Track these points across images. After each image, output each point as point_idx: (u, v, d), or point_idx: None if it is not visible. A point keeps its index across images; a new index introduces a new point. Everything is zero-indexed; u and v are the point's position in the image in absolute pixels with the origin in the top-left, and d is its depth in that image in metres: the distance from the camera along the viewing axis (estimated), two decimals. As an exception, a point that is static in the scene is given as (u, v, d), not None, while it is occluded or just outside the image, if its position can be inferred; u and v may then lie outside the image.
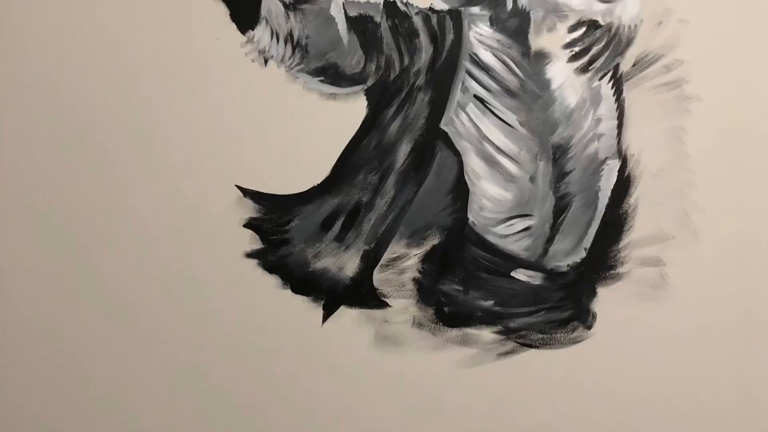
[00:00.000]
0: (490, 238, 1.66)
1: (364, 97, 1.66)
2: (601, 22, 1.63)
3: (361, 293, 1.71)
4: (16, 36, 1.70)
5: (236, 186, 1.69)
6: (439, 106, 1.65)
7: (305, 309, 1.72)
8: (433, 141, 1.66)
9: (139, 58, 1.68)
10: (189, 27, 1.67)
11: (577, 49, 1.64)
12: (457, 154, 1.66)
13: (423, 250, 1.66)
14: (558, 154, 1.65)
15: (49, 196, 1.73)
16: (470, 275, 1.70)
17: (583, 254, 1.67)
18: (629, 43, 1.64)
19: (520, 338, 1.72)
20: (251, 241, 1.71)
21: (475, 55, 1.65)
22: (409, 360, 1.70)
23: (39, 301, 1.77)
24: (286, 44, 1.64)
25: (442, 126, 1.65)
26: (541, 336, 1.71)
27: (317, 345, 1.73)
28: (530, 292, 1.70)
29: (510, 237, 1.68)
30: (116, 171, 1.71)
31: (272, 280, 1.71)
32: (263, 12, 1.63)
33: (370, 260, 1.67)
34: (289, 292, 1.71)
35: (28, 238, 1.75)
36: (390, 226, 1.68)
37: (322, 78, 1.66)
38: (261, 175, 1.69)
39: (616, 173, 1.64)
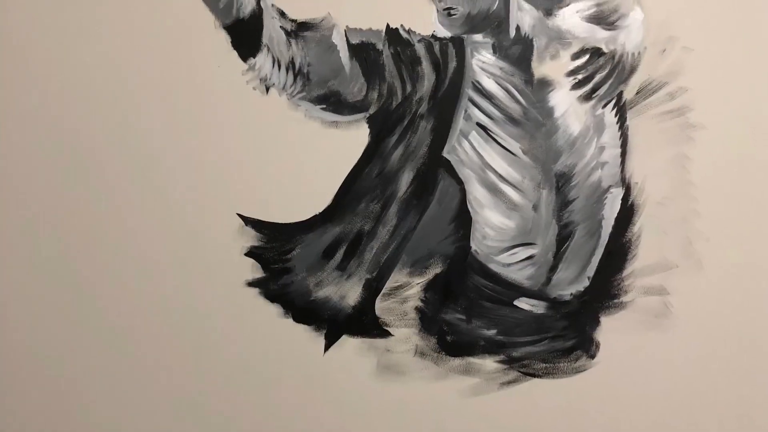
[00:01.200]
0: (493, 267, 1.59)
1: (366, 125, 1.58)
2: (605, 50, 1.56)
3: (363, 322, 1.63)
4: (18, 65, 1.61)
5: (237, 214, 1.62)
6: (441, 134, 1.58)
7: (307, 338, 1.64)
8: (436, 169, 1.58)
9: (140, 86, 1.60)
10: (190, 55, 1.58)
11: (580, 76, 1.56)
12: (460, 183, 1.58)
13: (425, 278, 1.59)
14: (561, 183, 1.58)
15: (50, 224, 1.65)
16: (473, 304, 1.62)
17: (587, 283, 1.61)
18: (633, 70, 1.56)
19: (523, 367, 1.64)
20: (252, 269, 1.63)
21: (478, 82, 1.57)
22: (411, 389, 1.64)
23: (40, 330, 1.69)
24: (287, 72, 1.57)
25: (445, 154, 1.58)
26: (544, 365, 1.64)
27: (319, 374, 1.66)
28: (533, 321, 1.62)
29: (513, 266, 1.60)
30: (117, 199, 1.63)
31: (274, 309, 1.64)
32: (265, 39, 1.55)
33: (372, 289, 1.60)
34: (290, 321, 1.64)
35: (28, 267, 1.67)
36: (392, 255, 1.60)
37: (324, 106, 1.58)
38: (262, 203, 1.61)
39: (620, 201, 1.57)
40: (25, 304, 1.69)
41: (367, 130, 1.58)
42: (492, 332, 1.62)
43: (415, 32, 1.57)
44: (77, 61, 1.61)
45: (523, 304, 1.61)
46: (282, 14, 1.56)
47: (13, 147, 1.64)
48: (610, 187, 1.58)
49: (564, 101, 1.56)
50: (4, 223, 1.67)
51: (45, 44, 1.62)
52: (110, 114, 1.62)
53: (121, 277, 1.66)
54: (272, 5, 1.55)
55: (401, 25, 1.57)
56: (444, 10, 1.55)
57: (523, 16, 1.55)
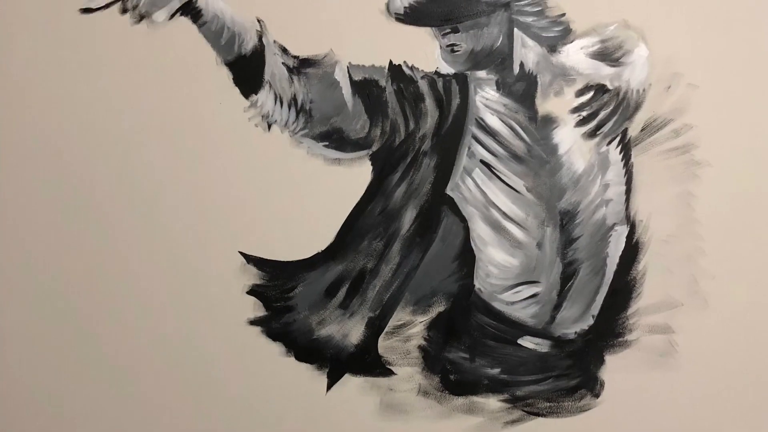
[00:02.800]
0: (497, 305, 1.50)
1: (369, 162, 1.49)
2: (609, 87, 1.47)
3: (366, 361, 1.53)
4: (19, 103, 1.52)
5: (239, 252, 1.52)
6: (445, 171, 1.48)
7: (309, 377, 1.55)
8: (439, 207, 1.49)
9: (141, 123, 1.50)
10: (191, 91, 1.48)
11: (584, 113, 1.47)
12: (463, 220, 1.49)
13: (429, 317, 1.51)
14: (565, 220, 1.49)
15: (51, 263, 1.56)
16: (476, 343, 1.52)
17: (591, 321, 1.51)
18: (638, 107, 1.47)
19: (527, 406, 1.54)
20: (254, 308, 1.53)
21: (482, 119, 1.49)
22: (414, 428, 1.55)
23: (41, 369, 1.59)
24: (289, 109, 1.48)
25: (448, 191, 1.48)
26: (548, 404, 1.54)
27: (322, 413, 1.55)
28: (537, 359, 1.53)
29: (517, 304, 1.51)
30: (118, 236, 1.54)
31: (276, 348, 1.54)
32: (267, 76, 1.46)
33: (375, 327, 1.51)
34: (293, 359, 1.54)
35: (28, 306, 1.57)
36: (395, 293, 1.51)
37: (327, 143, 1.49)
38: (264, 241, 1.51)
39: (625, 239, 1.49)
40: (26, 343, 1.59)
41: (370, 168, 1.49)
42: (496, 371, 1.53)
43: (418, 69, 1.48)
44: (78, 97, 1.51)
45: (527, 342, 1.52)
46: (284, 51, 1.47)
47: (14, 184, 1.54)
48: (614, 224, 1.49)
49: (568, 138, 1.47)
50: (4, 261, 1.57)
51: (45, 81, 1.51)
52: (111, 151, 1.52)
53: (122, 315, 1.56)
54: (274, 41, 1.46)
55: (404, 62, 1.47)
56: (447, 46, 1.46)
57: (527, 53, 1.46)
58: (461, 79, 1.47)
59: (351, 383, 1.55)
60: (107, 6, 1.45)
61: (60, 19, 1.50)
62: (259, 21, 1.45)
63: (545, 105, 1.46)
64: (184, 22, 1.45)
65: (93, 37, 1.50)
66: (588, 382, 1.53)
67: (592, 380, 1.53)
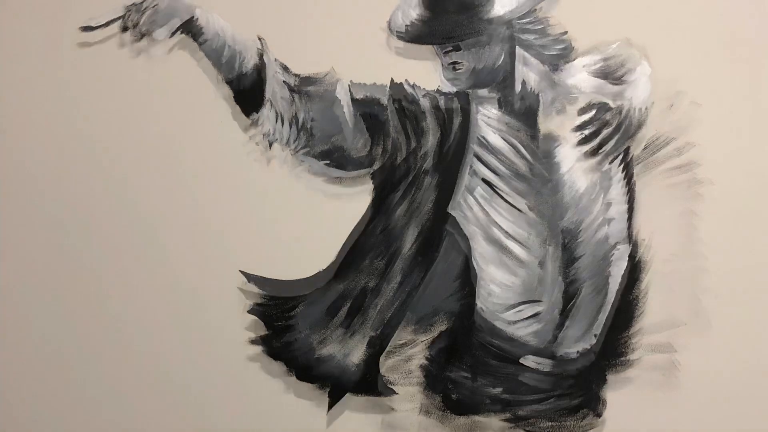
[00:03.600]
0: (499, 325, 1.46)
1: (370, 181, 1.45)
2: (612, 105, 1.43)
3: (368, 380, 1.48)
4: (19, 125, 1.49)
5: (240, 271, 1.48)
6: (446, 189, 1.44)
7: (310, 396, 1.50)
8: (441, 225, 1.44)
9: (141, 142, 1.47)
10: (192, 110, 1.45)
11: (586, 131, 1.43)
12: (465, 239, 1.44)
13: (430, 336, 1.47)
14: (567, 239, 1.44)
15: (50, 286, 1.53)
16: (478, 362, 1.47)
17: (593, 341, 1.46)
18: (640, 125, 1.43)
19: (529, 426, 1.49)
20: (255, 327, 1.50)
21: (483, 137, 1.45)
22: (416, 448, 1.48)
23: (44, 392, 1.56)
24: (290, 127, 1.44)
25: (450, 210, 1.44)
26: (550, 424, 1.49)
27: (323, 432, 1.51)
28: (539, 379, 1.48)
29: (519, 323, 1.47)
30: (119, 257, 1.51)
31: (277, 367, 1.50)
32: (268, 94, 1.43)
33: (376, 347, 1.47)
34: (293, 379, 1.50)
35: (31, 331, 1.55)
36: (397, 312, 1.46)
37: (328, 161, 1.45)
38: (265, 259, 1.48)
39: (627, 258, 1.45)
40: (29, 368, 1.56)
41: (371, 186, 1.46)
42: (497, 390, 1.48)
43: (419, 87, 1.44)
44: (79, 120, 1.49)
45: (529, 362, 1.47)
46: (285, 69, 1.43)
47: (15, 209, 1.51)
48: (617, 243, 1.45)
49: (570, 157, 1.43)
50: (7, 286, 1.54)
51: (45, 103, 1.49)
52: (112, 172, 1.49)
53: (123, 335, 1.52)
54: (275, 60, 1.43)
55: (406, 80, 1.44)
56: (449, 64, 1.42)
57: (529, 71, 1.42)
58: (463, 98, 1.43)
59: (352, 402, 1.51)
60: (108, 24, 1.42)
61: (60, 41, 1.46)
62: (260, 39, 1.41)
63: (547, 123, 1.42)
64: (185, 40, 1.41)
65: (93, 57, 1.46)
66: (590, 402, 1.48)
67: (594, 399, 1.48)
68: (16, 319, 1.54)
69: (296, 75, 1.42)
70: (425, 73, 1.44)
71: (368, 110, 1.41)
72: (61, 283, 1.52)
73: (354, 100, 1.41)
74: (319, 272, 1.47)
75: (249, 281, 1.47)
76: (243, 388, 1.51)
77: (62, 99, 1.48)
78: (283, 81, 1.40)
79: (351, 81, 1.42)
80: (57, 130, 1.49)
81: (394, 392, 1.48)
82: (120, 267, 1.50)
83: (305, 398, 1.50)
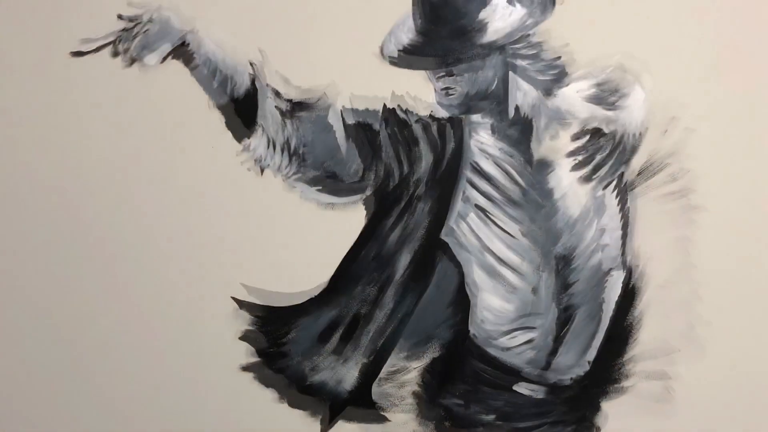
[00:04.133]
0: (492, 351, 1.43)
1: (363, 207, 1.42)
2: (606, 130, 1.40)
3: (360, 407, 1.46)
4: (12, 146, 1.46)
5: (232, 298, 1.45)
6: (439, 215, 1.41)
7: (303, 423, 1.47)
8: (434, 252, 1.41)
9: (133, 168, 1.43)
10: (183, 136, 1.42)
11: (580, 157, 1.40)
12: (458, 265, 1.41)
13: (423, 363, 1.44)
14: (561, 265, 1.41)
15: (41, 308, 1.50)
16: (471, 389, 1.44)
17: (587, 367, 1.43)
18: (634, 151, 1.40)
19: (522, 453, 1.47)
20: (247, 353, 1.47)
21: (476, 163, 1.42)
22: (409, 475, 1.45)
23: (35, 414, 1.53)
24: (282, 153, 1.42)
25: (443, 236, 1.41)
26: (544, 451, 1.47)
27: (315, 460, 1.48)
28: (533, 406, 1.45)
29: (512, 350, 1.44)
30: (111, 282, 1.47)
31: (269, 394, 1.47)
32: (259, 120, 1.40)
33: (368, 374, 1.44)
34: (286, 406, 1.47)
35: (24, 352, 1.52)
36: (389, 339, 1.43)
37: (320, 187, 1.41)
38: (257, 286, 1.45)
39: (621, 285, 1.42)
40: (18, 391, 1.53)
41: (364, 212, 1.42)
42: (491, 417, 1.45)
43: (412, 112, 1.40)
44: (69, 142, 1.45)
45: (523, 389, 1.45)
46: (277, 94, 1.39)
47: (9, 226, 1.48)
48: (610, 269, 1.42)
49: (564, 182, 1.40)
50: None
51: (36, 127, 1.45)
52: (104, 195, 1.45)
53: (114, 361, 1.49)
54: (267, 85, 1.40)
55: (398, 105, 1.40)
56: (442, 89, 1.38)
57: (523, 96, 1.39)
58: (456, 123, 1.40)
59: (345, 430, 1.48)
60: (98, 49, 1.39)
61: (51, 64, 1.43)
62: (251, 64, 1.38)
63: (541, 149, 1.39)
64: (176, 65, 1.38)
65: (84, 82, 1.42)
66: (584, 429, 1.46)
67: (587, 427, 1.46)
68: (6, 334, 1.51)
69: (288, 100, 1.39)
70: (418, 99, 1.40)
71: (361, 136, 1.38)
72: (52, 301, 1.49)
73: (346, 126, 1.38)
74: (312, 299, 1.44)
75: (241, 308, 1.44)
76: (234, 415, 1.48)
77: (54, 108, 1.45)
78: (275, 106, 1.37)
79: (343, 106, 1.39)
80: (50, 141, 1.45)
81: (386, 419, 1.46)
82: (110, 292, 1.48)
83: (297, 425, 1.47)
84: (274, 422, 1.48)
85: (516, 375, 1.44)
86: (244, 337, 1.45)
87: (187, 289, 1.46)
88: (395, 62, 1.36)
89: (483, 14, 1.33)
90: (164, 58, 1.36)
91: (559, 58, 1.38)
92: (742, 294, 1.42)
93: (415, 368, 1.45)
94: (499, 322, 1.41)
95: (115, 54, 1.37)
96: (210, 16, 1.36)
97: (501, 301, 1.40)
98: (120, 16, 1.35)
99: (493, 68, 1.35)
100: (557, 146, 1.39)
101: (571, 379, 1.44)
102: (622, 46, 1.38)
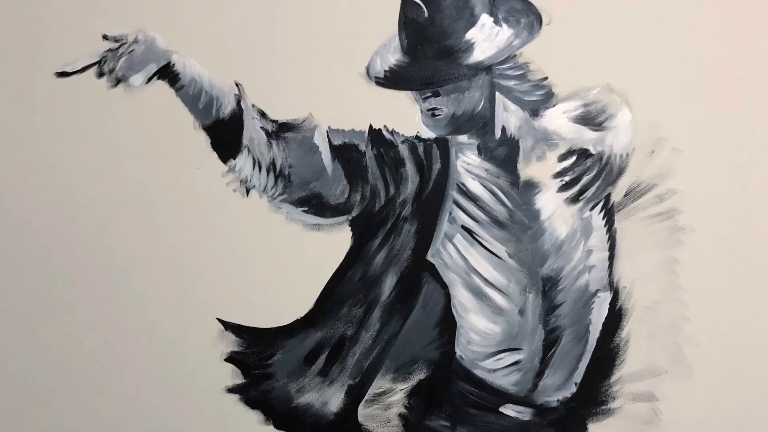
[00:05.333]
0: (478, 373, 1.39)
1: (349, 228, 1.38)
2: (592, 151, 1.36)
3: (346, 429, 1.41)
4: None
5: (217, 319, 1.41)
6: (425, 237, 1.36)
7: (288, 445, 1.40)
8: (420, 273, 1.37)
9: (117, 188, 1.40)
10: (169, 156, 1.38)
11: (567, 178, 1.36)
12: (444, 287, 1.37)
13: (409, 384, 1.40)
14: (548, 287, 1.37)
15: (26, 335, 1.46)
16: (458, 411, 1.40)
17: (574, 389, 1.40)
18: (621, 172, 1.37)
19: (509, 474, 1.41)
20: (233, 375, 1.42)
21: (463, 184, 1.38)
22: (395, 497, 1.40)
23: (23, 430, 1.49)
24: (268, 174, 1.37)
25: (429, 258, 1.36)
26: (530, 472, 1.42)
27: (300, 482, 1.43)
28: (519, 428, 1.40)
29: (498, 371, 1.40)
30: (96, 304, 1.44)
31: (254, 416, 1.42)
32: (245, 140, 1.35)
33: (354, 395, 1.39)
34: (271, 428, 1.42)
35: (7, 372, 1.48)
36: (375, 361, 1.38)
37: (306, 208, 1.36)
38: (242, 307, 1.40)
39: (608, 306, 1.39)
40: (3, 413, 1.49)
41: (350, 233, 1.38)
42: (477, 439, 1.42)
43: (398, 133, 1.36)
44: (53, 163, 1.41)
45: (509, 410, 1.40)
46: (263, 115, 1.34)
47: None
48: (597, 291, 1.38)
49: (551, 203, 1.36)
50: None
51: (20, 146, 1.41)
52: (89, 216, 1.42)
53: (100, 383, 1.45)
54: (253, 105, 1.36)
55: (384, 126, 1.36)
56: (428, 110, 1.34)
57: (509, 117, 1.35)
58: (442, 144, 1.36)
59: (331, 451, 1.41)
60: (83, 70, 1.34)
61: (35, 84, 1.38)
62: (237, 85, 1.33)
63: (527, 170, 1.35)
64: (161, 86, 1.34)
65: (69, 102, 1.38)
66: (571, 451, 1.39)
67: (575, 449, 1.38)
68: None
69: (274, 121, 1.34)
70: (404, 119, 1.35)
71: (347, 156, 1.34)
72: (36, 323, 1.45)
73: (332, 147, 1.34)
74: (297, 320, 1.40)
75: (226, 329, 1.40)
76: (220, 437, 1.40)
77: (39, 129, 1.42)
78: (261, 127, 1.32)
79: (329, 127, 1.34)
80: (34, 161, 1.43)
81: (373, 441, 1.40)
82: (95, 312, 1.44)
83: (283, 447, 1.40)
84: (259, 444, 1.41)
85: (502, 397, 1.39)
86: (230, 358, 1.41)
87: (173, 310, 1.42)
88: (381, 82, 1.31)
89: (469, 35, 1.28)
90: (149, 79, 1.31)
91: (546, 78, 1.34)
92: (729, 315, 1.39)
93: (401, 390, 1.40)
94: (486, 343, 1.37)
95: (100, 74, 1.32)
96: (187, 49, 1.31)
97: (487, 323, 1.36)
98: (105, 37, 1.29)
99: (480, 89, 1.31)
100: (544, 167, 1.34)
101: (558, 400, 1.40)
102: (609, 67, 1.33)
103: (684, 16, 1.33)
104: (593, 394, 1.40)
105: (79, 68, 1.29)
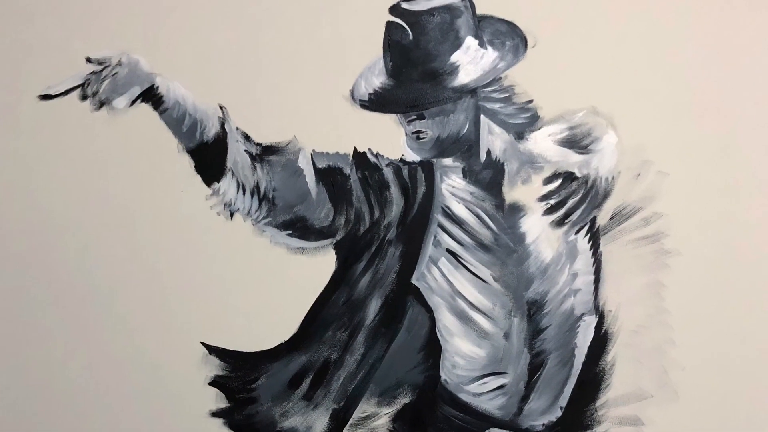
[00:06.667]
0: (463, 397, 1.35)
1: (333, 251, 1.34)
2: (578, 174, 1.32)
3: (331, 453, 1.35)
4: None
5: (201, 343, 1.37)
6: (410, 260, 1.32)
7: (272, 470, 1.36)
8: (405, 296, 1.33)
9: (101, 211, 1.36)
10: (152, 179, 1.34)
11: (552, 201, 1.32)
12: (429, 310, 1.33)
13: (394, 408, 1.36)
14: (533, 310, 1.33)
15: (9, 360, 1.43)
16: (443, 435, 1.36)
17: (559, 413, 1.36)
18: (606, 195, 1.33)
19: (494, 499, 1.38)
20: (216, 399, 1.38)
21: (448, 207, 1.34)
22: None
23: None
24: (252, 197, 1.33)
25: (414, 281, 1.32)
26: (515, 497, 1.38)
27: (285, 506, 1.40)
28: (505, 452, 1.36)
29: (483, 395, 1.36)
30: (78, 326, 1.40)
31: (238, 440, 1.35)
32: (229, 164, 1.31)
33: (339, 419, 1.35)
34: (255, 452, 1.35)
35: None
36: (360, 385, 1.35)
37: (290, 231, 1.32)
38: (226, 331, 1.37)
39: (593, 330, 1.35)
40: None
41: (334, 257, 1.34)
42: (462, 463, 1.37)
43: (383, 156, 1.32)
44: (36, 186, 1.38)
45: (494, 435, 1.37)
46: (247, 137, 1.30)
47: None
48: (583, 314, 1.34)
49: (536, 227, 1.32)
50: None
51: (5, 168, 1.39)
52: (72, 239, 1.38)
53: (83, 407, 1.42)
54: (237, 128, 1.32)
55: (369, 149, 1.32)
56: (413, 133, 1.30)
57: (494, 140, 1.31)
58: (427, 167, 1.32)
59: (315, 476, 1.37)
60: (67, 93, 1.30)
61: (18, 107, 1.35)
62: (221, 108, 1.29)
63: (512, 193, 1.31)
64: (145, 108, 1.30)
65: (52, 125, 1.35)
66: (556, 475, 1.35)
67: (560, 473, 1.34)
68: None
69: (258, 144, 1.30)
70: (389, 142, 1.31)
71: (331, 180, 1.30)
72: (17, 355, 1.42)
73: (317, 170, 1.30)
74: (282, 344, 1.36)
75: (210, 353, 1.36)
76: (205, 460, 1.37)
77: (22, 152, 1.39)
78: (245, 150, 1.28)
79: (314, 150, 1.31)
80: (17, 184, 1.40)
81: (357, 465, 1.36)
82: (78, 337, 1.40)
83: (267, 472, 1.36)
84: (244, 468, 1.37)
85: (488, 421, 1.35)
86: (214, 382, 1.37)
87: (156, 333, 1.38)
88: (366, 105, 1.28)
89: (454, 57, 1.24)
90: (133, 102, 1.27)
91: (531, 101, 1.30)
92: (715, 339, 1.35)
93: (386, 414, 1.37)
94: (471, 367, 1.33)
95: (84, 97, 1.28)
96: (170, 72, 1.27)
97: (472, 347, 1.32)
98: (89, 59, 1.25)
99: (465, 112, 1.27)
100: (529, 190, 1.30)
101: (544, 425, 1.37)
102: (594, 90, 1.30)
103: (669, 39, 1.29)
104: (579, 418, 1.36)
105: (63, 91, 1.25)
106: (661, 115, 1.31)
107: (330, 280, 1.35)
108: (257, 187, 1.27)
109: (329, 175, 1.30)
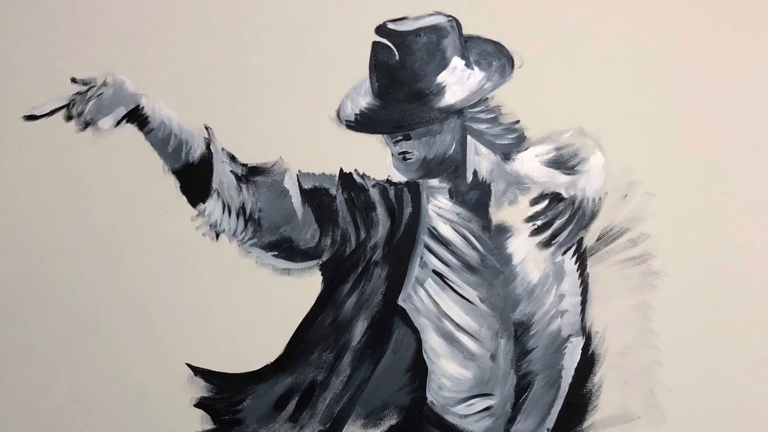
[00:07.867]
0: (450, 418, 1.31)
1: (319, 273, 1.31)
2: (565, 195, 1.29)
3: (316, 475, 1.32)
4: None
5: (186, 364, 1.34)
6: (396, 281, 1.29)
7: (258, 492, 1.33)
8: (391, 318, 1.29)
9: (86, 232, 1.34)
10: (138, 200, 1.32)
11: (539, 222, 1.29)
12: (416, 332, 1.29)
13: (380, 430, 1.33)
14: (520, 332, 1.30)
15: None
16: (429, 457, 1.32)
17: (547, 435, 1.31)
18: (593, 216, 1.31)
19: None
20: (202, 421, 1.35)
21: (434, 228, 1.31)
22: None
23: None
24: (238, 218, 1.29)
25: (400, 302, 1.29)
26: None
27: None
28: (492, 474, 1.32)
29: (470, 417, 1.32)
30: (62, 348, 1.38)
31: (224, 462, 1.32)
32: (215, 184, 1.27)
33: (325, 441, 1.30)
34: (241, 474, 1.32)
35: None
36: (346, 406, 1.31)
37: (276, 252, 1.29)
38: (212, 352, 1.34)
39: (580, 351, 1.33)
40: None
41: (320, 278, 1.31)
42: (449, 485, 1.34)
43: (369, 177, 1.29)
44: (20, 207, 1.36)
45: (481, 456, 1.34)
46: (232, 158, 1.27)
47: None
48: (570, 336, 1.31)
49: (523, 248, 1.29)
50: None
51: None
52: (56, 260, 1.35)
53: (68, 428, 1.39)
54: (222, 149, 1.29)
55: (355, 170, 1.29)
56: (399, 154, 1.26)
57: (481, 161, 1.28)
58: (413, 188, 1.29)
59: (301, 498, 1.34)
60: (52, 113, 1.27)
61: (2, 127, 1.32)
62: (207, 128, 1.25)
63: (499, 214, 1.28)
64: (130, 129, 1.27)
65: (37, 145, 1.32)
66: (543, 497, 1.33)
67: (547, 495, 1.31)
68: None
69: (244, 165, 1.27)
70: (375, 163, 1.29)
71: (317, 200, 1.27)
72: (2, 377, 1.40)
73: (302, 191, 1.27)
74: (267, 365, 1.33)
75: (195, 374, 1.33)
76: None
77: (6, 173, 1.37)
78: (231, 171, 1.25)
79: (299, 170, 1.28)
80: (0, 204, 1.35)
81: (343, 487, 1.33)
82: (63, 359, 1.38)
83: (253, 494, 1.33)
84: (229, 491, 1.34)
85: (474, 443, 1.30)
86: (199, 404, 1.33)
87: (141, 355, 1.36)
88: (352, 126, 1.24)
89: (441, 78, 1.21)
90: (118, 122, 1.23)
91: (518, 122, 1.27)
92: (701, 360, 1.33)
93: (372, 435, 1.31)
94: (457, 388, 1.29)
95: (69, 118, 1.25)
96: (155, 92, 1.24)
97: (459, 368, 1.29)
98: (74, 80, 1.22)
99: (451, 132, 1.24)
100: (516, 211, 1.27)
101: (530, 446, 1.30)
102: (581, 110, 1.27)
103: (657, 60, 1.26)
104: (566, 439, 1.30)
105: (48, 111, 1.22)
106: (648, 136, 1.28)
107: (316, 302, 1.31)
108: (243, 207, 1.24)
109: (315, 196, 1.27)
